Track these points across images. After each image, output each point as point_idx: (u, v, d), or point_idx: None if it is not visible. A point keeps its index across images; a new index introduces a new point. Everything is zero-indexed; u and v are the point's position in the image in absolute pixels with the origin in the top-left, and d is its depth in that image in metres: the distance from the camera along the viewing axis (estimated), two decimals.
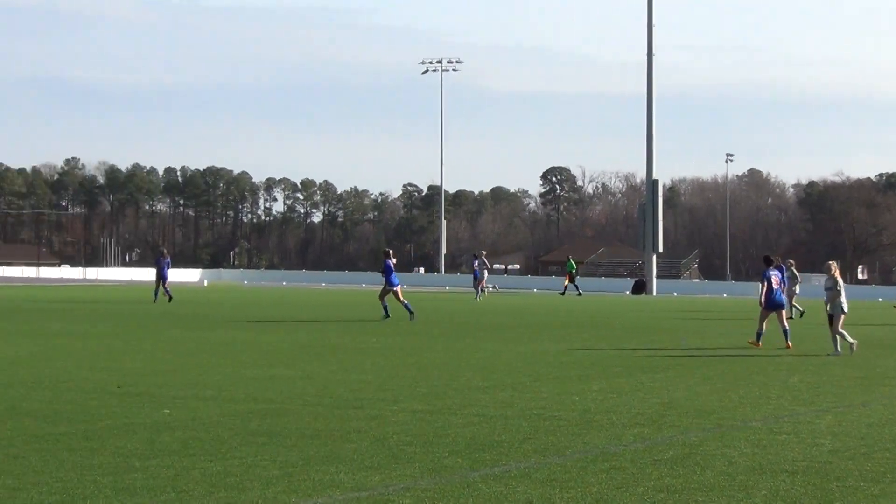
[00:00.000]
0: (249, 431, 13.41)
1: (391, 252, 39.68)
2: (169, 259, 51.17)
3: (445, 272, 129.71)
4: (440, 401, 16.51)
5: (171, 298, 48.38)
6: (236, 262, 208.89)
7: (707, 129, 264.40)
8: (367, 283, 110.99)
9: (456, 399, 16.71)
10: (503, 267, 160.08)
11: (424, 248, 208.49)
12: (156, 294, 49.28)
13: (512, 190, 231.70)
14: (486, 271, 62.03)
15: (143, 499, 9.76)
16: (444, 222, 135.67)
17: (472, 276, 67.21)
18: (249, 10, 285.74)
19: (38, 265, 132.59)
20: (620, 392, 17.72)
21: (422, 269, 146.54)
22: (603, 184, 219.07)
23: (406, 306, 37.56)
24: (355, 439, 12.99)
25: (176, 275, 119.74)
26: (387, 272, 37.99)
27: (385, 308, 37.96)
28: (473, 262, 63.93)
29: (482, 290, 61.19)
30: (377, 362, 22.43)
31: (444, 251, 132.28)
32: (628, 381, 19.28)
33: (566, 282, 72.21)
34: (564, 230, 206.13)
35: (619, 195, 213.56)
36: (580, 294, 70.23)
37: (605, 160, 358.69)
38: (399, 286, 38.34)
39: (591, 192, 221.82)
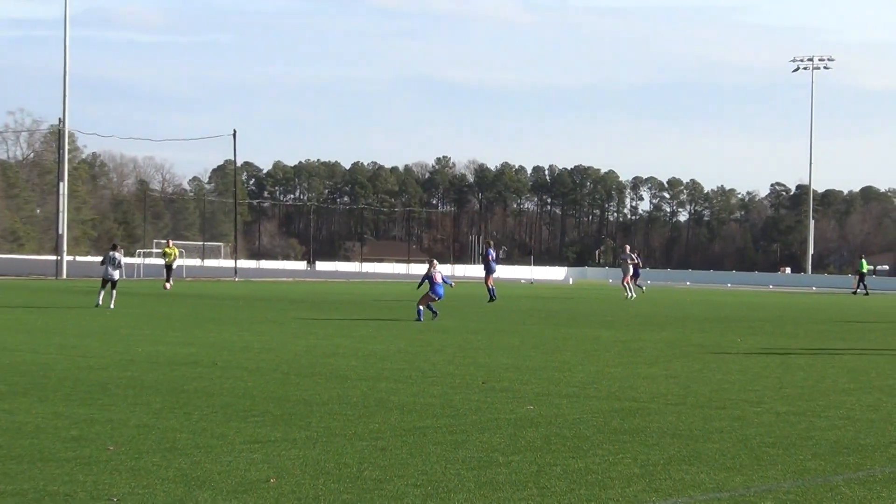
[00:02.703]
0: (611, 429, 13.42)
1: (491, 242, 45.89)
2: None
3: (812, 272, 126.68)
4: (804, 402, 16.14)
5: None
6: (601, 261, 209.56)
7: None
8: (733, 283, 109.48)
9: (820, 401, 16.30)
10: (871, 268, 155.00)
11: (791, 247, 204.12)
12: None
13: (882, 189, 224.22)
14: (631, 267, 56.46)
15: (506, 493, 9.87)
16: (812, 222, 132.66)
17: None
18: (617, 10, 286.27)
19: (409, 262, 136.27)
20: None
21: (788, 269, 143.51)
22: None
23: (490, 291, 43.62)
24: (717, 439, 12.84)
25: (542, 273, 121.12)
26: (488, 259, 44.45)
27: (490, 291, 43.93)
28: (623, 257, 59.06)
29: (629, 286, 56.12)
30: (741, 362, 22.12)
31: (811, 251, 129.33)
32: None
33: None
34: None
35: None
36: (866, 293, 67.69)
37: None
38: (493, 273, 44.10)
39: None
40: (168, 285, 54.94)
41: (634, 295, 53.52)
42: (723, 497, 9.94)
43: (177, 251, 60.34)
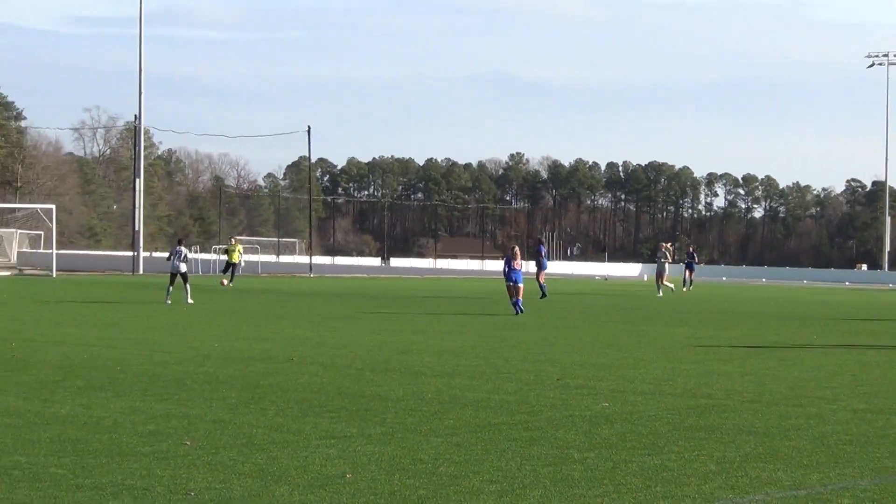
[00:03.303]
0: (687, 426, 13.36)
1: (541, 239, 44.76)
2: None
3: (889, 269, 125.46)
4: (882, 400, 15.99)
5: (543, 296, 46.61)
6: (676, 257, 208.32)
7: None
8: (809, 280, 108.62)
9: None
10: None
11: (867, 244, 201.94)
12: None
13: None
14: (667, 265, 54.97)
15: (581, 490, 9.85)
16: (888, 219, 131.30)
17: None
18: (690, 5, 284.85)
19: (482, 258, 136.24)
20: None
21: (864, 266, 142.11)
22: None
23: (542, 288, 43.95)
24: (793, 437, 12.74)
25: (616, 269, 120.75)
26: (539, 255, 45.12)
27: (542, 288, 44.04)
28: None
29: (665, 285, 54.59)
30: (817, 359, 21.95)
31: (887, 248, 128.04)
32: None
33: None
34: None
35: None
36: None
37: None
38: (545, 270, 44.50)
39: None
40: (226, 282, 53.73)
41: (662, 294, 52.74)
42: (800, 495, 9.86)
43: (240, 248, 59.65)
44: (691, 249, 64.13)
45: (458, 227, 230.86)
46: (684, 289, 58.99)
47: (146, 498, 9.26)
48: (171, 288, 38.78)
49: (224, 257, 59.48)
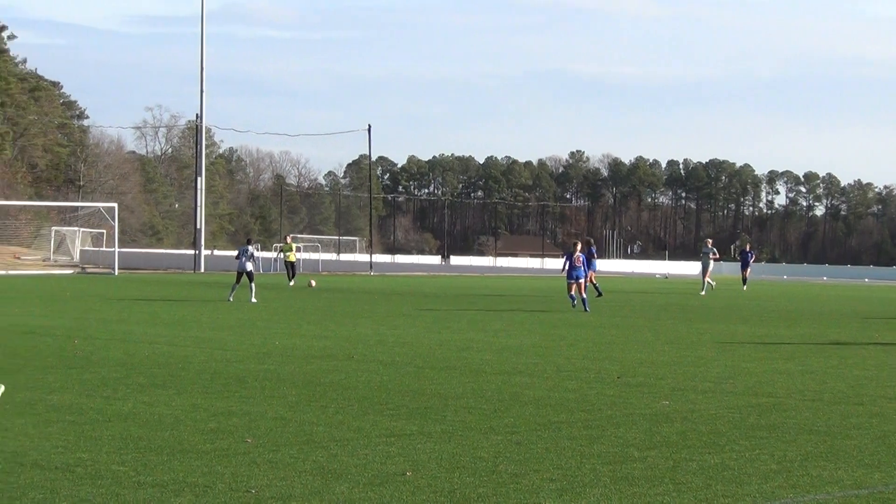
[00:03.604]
0: (748, 425, 13.29)
1: (592, 240, 45.32)
2: None
3: None
4: None
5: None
6: (736, 256, 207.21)
7: None
8: (871, 278, 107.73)
9: None
10: None
11: None
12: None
13: None
14: (712, 262, 54.41)
15: (641, 489, 9.82)
16: None
17: None
18: (749, 1, 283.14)
19: (542, 256, 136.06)
20: None
21: None
22: None
23: (595, 287, 43.69)
24: (855, 436, 12.65)
25: (676, 267, 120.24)
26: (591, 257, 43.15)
27: (596, 287, 43.74)
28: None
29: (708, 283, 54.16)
30: (879, 358, 21.77)
31: None
32: None
33: None
34: None
35: None
36: None
37: None
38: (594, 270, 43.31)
39: None
40: (293, 282, 53.68)
41: (704, 293, 52.08)
42: (861, 494, 9.79)
43: (294, 246, 59.10)
44: (747, 248, 63.41)
45: (518, 224, 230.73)
46: (743, 288, 58.49)
47: (207, 495, 9.31)
48: (236, 286, 38.95)
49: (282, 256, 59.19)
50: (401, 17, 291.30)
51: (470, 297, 45.89)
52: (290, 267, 55.32)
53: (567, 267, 36.02)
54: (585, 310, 34.91)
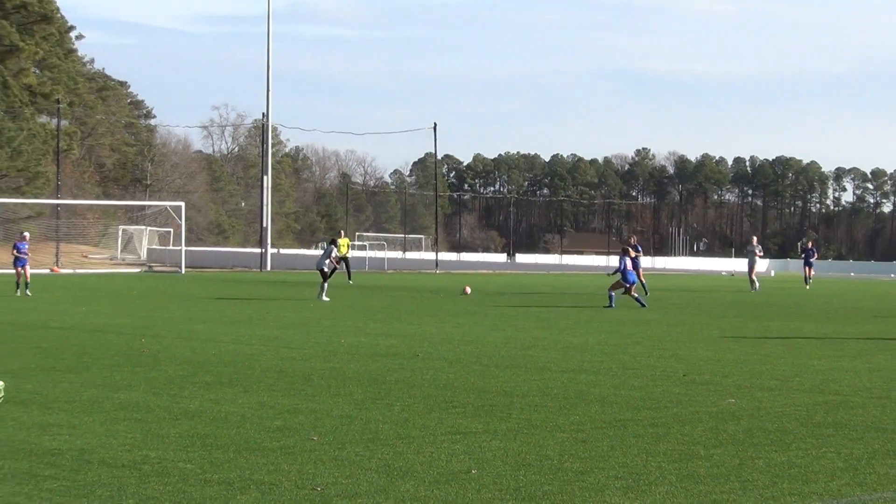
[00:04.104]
0: (814, 423, 13.20)
1: (631, 240, 44.24)
2: None
3: None
4: None
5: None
6: (800, 254, 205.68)
7: None
8: None
9: None
10: None
11: None
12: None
13: None
14: (758, 259, 53.35)
15: (708, 486, 9.78)
16: None
17: None
18: None
19: (608, 254, 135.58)
20: None
21: None
22: None
23: (643, 284, 41.76)
24: None
25: (742, 265, 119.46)
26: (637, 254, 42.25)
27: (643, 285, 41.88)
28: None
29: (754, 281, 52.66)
30: None
31: None
32: None
33: None
34: None
35: None
36: None
37: None
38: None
39: None
40: (350, 281, 53.33)
41: (757, 289, 51.34)
42: None
43: (347, 241, 58.10)
44: (810, 245, 62.52)
45: (583, 222, 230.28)
46: (806, 286, 57.89)
47: (273, 492, 9.36)
48: (325, 285, 38.28)
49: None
50: (466, 13, 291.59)
51: (535, 294, 45.85)
52: (345, 262, 54.76)
53: (623, 268, 36.07)
54: (642, 304, 35.79)
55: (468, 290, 48.04)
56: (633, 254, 36.66)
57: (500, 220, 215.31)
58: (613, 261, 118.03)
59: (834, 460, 10.96)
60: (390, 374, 17.18)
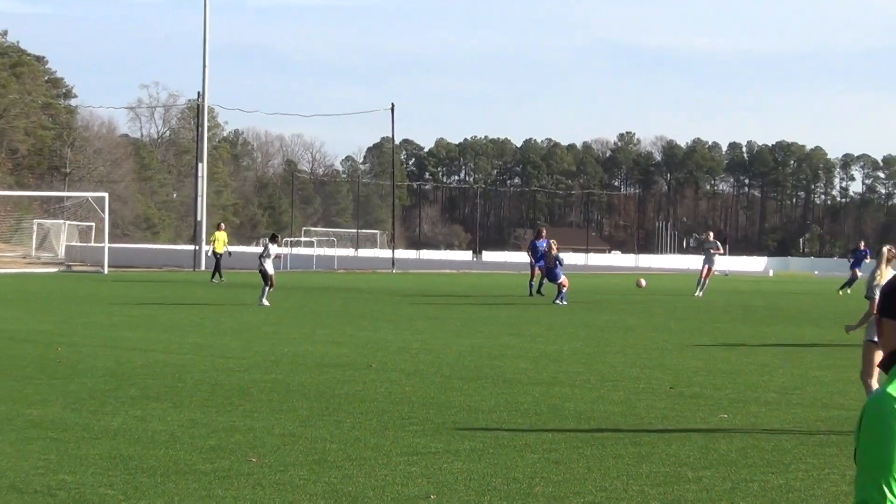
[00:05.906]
0: (816, 441, 13.28)
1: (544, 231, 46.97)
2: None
3: None
4: None
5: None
6: (806, 249, 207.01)
7: None
8: None
9: None
10: None
11: None
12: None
13: None
14: (716, 257, 48.85)
15: None
16: None
17: None
18: None
19: (587, 251, 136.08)
20: None
21: None
22: None
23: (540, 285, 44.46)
24: None
25: (737, 263, 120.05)
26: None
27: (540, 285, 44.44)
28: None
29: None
30: None
31: None
32: None
33: None
34: None
35: None
36: None
37: None
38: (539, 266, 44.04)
39: None
40: (215, 279, 53.31)
41: (700, 296, 47.92)
42: None
43: (225, 236, 56.74)
44: (861, 245, 58.77)
45: (559, 215, 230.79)
46: (847, 291, 54.91)
47: None
48: (266, 288, 37.40)
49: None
50: None
51: (504, 297, 45.93)
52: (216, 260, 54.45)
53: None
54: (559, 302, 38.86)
55: (643, 282, 47.64)
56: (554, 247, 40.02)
57: (466, 214, 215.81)
58: (593, 259, 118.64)
59: (838, 483, 11.03)
60: (340, 387, 17.19)
